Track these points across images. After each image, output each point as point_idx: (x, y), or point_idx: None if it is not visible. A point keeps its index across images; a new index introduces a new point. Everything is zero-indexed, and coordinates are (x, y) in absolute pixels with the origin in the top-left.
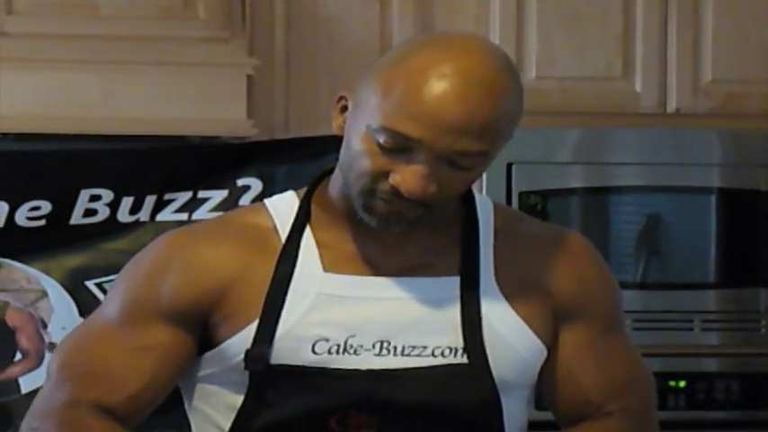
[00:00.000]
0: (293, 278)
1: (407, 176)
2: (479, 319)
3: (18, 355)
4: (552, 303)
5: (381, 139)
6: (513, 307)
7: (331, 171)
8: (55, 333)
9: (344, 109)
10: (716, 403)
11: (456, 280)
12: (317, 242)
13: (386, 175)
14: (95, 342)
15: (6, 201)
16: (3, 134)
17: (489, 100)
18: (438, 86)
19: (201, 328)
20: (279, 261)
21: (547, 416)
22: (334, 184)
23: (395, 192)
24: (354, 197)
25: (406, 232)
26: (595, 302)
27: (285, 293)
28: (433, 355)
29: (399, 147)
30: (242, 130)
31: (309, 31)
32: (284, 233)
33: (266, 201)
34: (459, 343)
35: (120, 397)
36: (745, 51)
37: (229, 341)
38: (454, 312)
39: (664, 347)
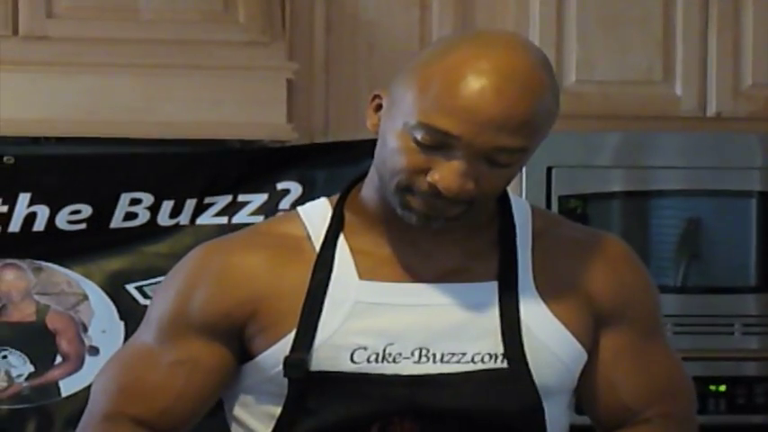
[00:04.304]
0: (329, 287)
1: (445, 174)
2: (519, 324)
3: (58, 359)
4: (592, 307)
5: (419, 136)
6: (552, 311)
7: (361, 178)
8: (95, 336)
9: (379, 107)
10: (756, 407)
11: (494, 285)
12: (352, 249)
13: (423, 172)
14: (132, 359)
15: (47, 204)
16: (44, 138)
17: (527, 95)
18: (476, 82)
19: (238, 341)
20: (314, 270)
21: (585, 420)
22: (369, 186)
23: (432, 190)
24: (390, 195)
25: (443, 233)
26: (635, 307)
27: (322, 303)
28: (472, 361)
29: (437, 143)
30: (282, 134)
31: (349, 35)
32: (318, 242)
33: (299, 209)
34: (499, 349)
35: (153, 412)
36: None
37: (266, 353)
38: (493, 318)
39: (704, 351)
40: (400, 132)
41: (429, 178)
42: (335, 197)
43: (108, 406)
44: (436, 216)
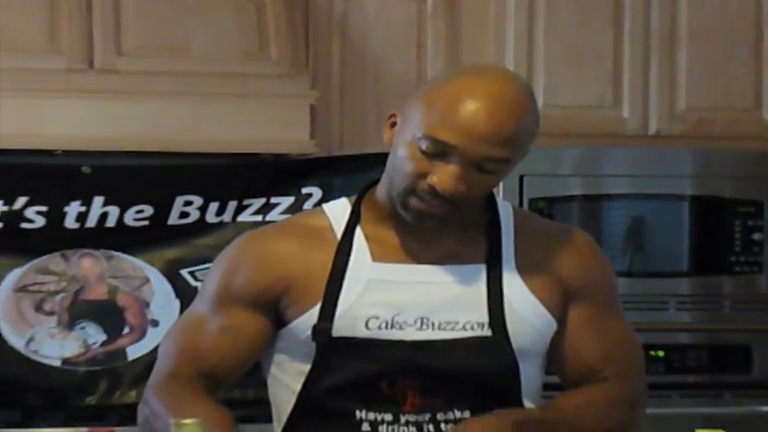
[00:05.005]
0: (348, 267)
1: (443, 177)
2: (501, 298)
3: (126, 329)
4: (562, 286)
5: (423, 146)
6: (529, 288)
7: (376, 182)
8: (156, 311)
9: (394, 125)
10: (688, 369)
11: (482, 267)
12: (367, 237)
13: (425, 176)
14: (188, 327)
15: (117, 205)
16: (114, 152)
17: (512, 116)
18: (472, 104)
19: (274, 311)
20: (336, 254)
21: (556, 379)
22: (381, 188)
23: (431, 190)
24: (395, 196)
25: (439, 227)
26: (596, 285)
27: (342, 280)
28: (464, 329)
29: (438, 152)
30: (305, 149)
31: (360, 69)
32: (339, 231)
33: (324, 205)
34: (485, 319)
35: (205, 369)
36: (713, 85)
37: (297, 321)
38: (481, 293)
39: (646, 324)
40: (408, 143)
41: (429, 180)
42: (354, 197)
43: (170, 366)
44: (430, 216)
